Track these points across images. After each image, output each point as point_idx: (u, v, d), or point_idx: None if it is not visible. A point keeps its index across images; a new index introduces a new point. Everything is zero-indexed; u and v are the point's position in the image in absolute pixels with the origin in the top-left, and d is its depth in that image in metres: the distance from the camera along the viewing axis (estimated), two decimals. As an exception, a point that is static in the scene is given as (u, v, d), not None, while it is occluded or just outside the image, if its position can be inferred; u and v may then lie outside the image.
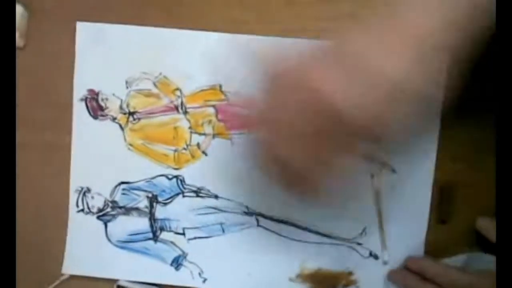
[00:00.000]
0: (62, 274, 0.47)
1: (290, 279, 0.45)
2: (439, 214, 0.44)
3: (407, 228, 0.44)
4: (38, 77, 0.46)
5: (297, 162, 0.32)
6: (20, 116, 0.46)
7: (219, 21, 0.44)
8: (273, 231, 0.45)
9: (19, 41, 0.45)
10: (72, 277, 0.47)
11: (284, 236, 0.45)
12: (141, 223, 0.46)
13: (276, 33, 0.44)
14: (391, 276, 0.44)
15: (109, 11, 0.45)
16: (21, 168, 0.46)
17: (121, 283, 0.46)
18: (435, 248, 0.44)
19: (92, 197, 0.46)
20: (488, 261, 0.43)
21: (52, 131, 0.46)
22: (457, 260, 0.42)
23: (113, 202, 0.46)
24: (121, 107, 0.46)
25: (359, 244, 0.45)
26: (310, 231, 0.45)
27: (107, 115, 0.46)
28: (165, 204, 0.46)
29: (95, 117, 0.46)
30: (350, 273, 0.45)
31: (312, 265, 0.45)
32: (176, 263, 0.46)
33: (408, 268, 0.43)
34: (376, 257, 0.45)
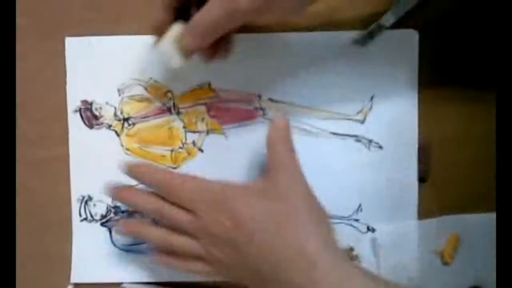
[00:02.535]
0: (70, 284, 0.47)
1: (295, 262, 0.47)
2: (419, 172, 0.47)
3: (399, 197, 0.46)
4: (26, 93, 0.47)
5: None
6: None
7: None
8: (273, 218, 0.47)
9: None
10: (77, 285, 0.48)
11: (285, 221, 0.47)
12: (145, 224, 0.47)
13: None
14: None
15: (90, 25, 0.47)
16: (20, 184, 0.47)
17: (126, 286, 0.47)
18: (420, 208, 0.47)
19: (94, 205, 0.48)
20: (476, 221, 0.46)
21: (45, 145, 0.47)
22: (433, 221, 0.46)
23: (115, 207, 0.48)
24: (115, 114, 0.47)
25: (356, 220, 0.47)
26: (308, 213, 0.47)
27: (102, 123, 0.47)
28: (167, 203, 0.47)
29: (90, 126, 0.47)
30: (351, 249, 0.47)
31: (314, 245, 0.47)
32: (183, 259, 0.47)
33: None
34: (373, 230, 0.47)
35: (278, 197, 0.38)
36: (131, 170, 0.42)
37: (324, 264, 0.35)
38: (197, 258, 0.40)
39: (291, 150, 0.40)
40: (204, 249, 0.39)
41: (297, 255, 0.35)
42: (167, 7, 0.39)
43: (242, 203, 0.38)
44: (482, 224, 0.46)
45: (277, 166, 0.39)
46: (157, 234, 0.42)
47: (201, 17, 0.37)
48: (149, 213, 0.43)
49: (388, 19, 0.45)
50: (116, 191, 0.44)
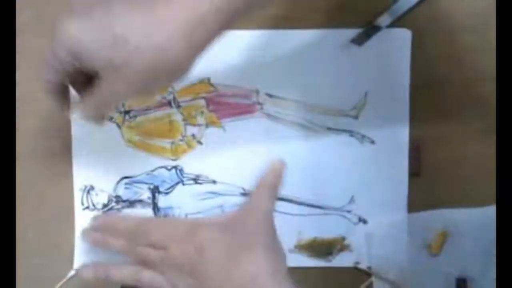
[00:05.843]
0: (72, 270, 0.49)
1: (290, 250, 0.49)
2: (411, 168, 0.48)
3: (389, 191, 0.48)
4: (27, 87, 0.48)
5: None
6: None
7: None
8: (269, 208, 0.49)
9: None
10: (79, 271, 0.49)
11: (281, 212, 0.48)
12: (146, 214, 0.49)
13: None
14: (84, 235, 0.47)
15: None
16: (22, 177, 0.49)
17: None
18: (411, 202, 0.49)
19: (96, 194, 0.49)
20: (463, 215, 0.48)
21: (47, 137, 0.49)
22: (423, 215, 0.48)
23: (117, 197, 0.49)
24: (116, 107, 0.49)
25: (348, 211, 0.49)
26: (304, 204, 0.49)
27: (104, 115, 0.49)
28: (167, 193, 0.49)
29: (93, 118, 0.49)
30: (343, 239, 0.49)
31: (308, 235, 0.49)
32: (182, 247, 0.49)
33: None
34: (364, 222, 0.49)
35: (241, 233, 0.40)
36: (100, 224, 0.46)
37: None
38: None
39: (273, 197, 0.42)
40: (170, 283, 0.41)
41: (249, 283, 0.38)
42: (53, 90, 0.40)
43: (208, 234, 0.41)
44: (470, 218, 0.48)
45: (251, 205, 0.42)
46: (127, 272, 0.43)
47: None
48: (121, 252, 0.44)
49: (385, 20, 0.47)
50: (88, 235, 0.47)
